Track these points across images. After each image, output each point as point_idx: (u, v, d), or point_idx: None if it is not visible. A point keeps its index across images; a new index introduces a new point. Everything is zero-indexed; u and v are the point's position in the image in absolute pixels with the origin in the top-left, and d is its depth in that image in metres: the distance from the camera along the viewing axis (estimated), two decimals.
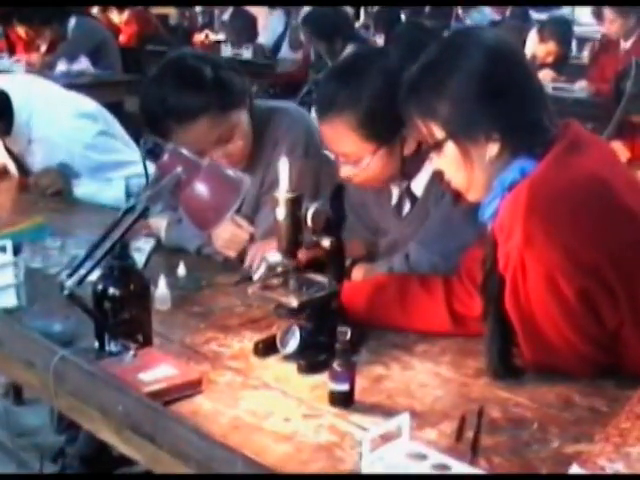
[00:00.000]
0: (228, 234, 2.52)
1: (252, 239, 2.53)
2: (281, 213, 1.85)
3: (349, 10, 9.59)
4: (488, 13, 9.86)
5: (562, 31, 7.19)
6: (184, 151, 1.90)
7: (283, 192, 1.84)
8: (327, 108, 2.15)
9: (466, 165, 1.83)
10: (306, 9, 8.99)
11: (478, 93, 1.79)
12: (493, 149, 1.80)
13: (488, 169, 1.82)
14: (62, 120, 3.35)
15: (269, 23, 9.33)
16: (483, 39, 1.86)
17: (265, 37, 9.02)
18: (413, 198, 2.29)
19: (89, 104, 3.52)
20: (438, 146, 1.84)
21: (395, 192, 2.32)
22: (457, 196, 1.98)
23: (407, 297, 2.05)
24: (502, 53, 1.85)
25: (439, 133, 1.83)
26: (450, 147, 1.83)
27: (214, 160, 2.25)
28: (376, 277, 2.16)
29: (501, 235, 1.76)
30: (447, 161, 1.86)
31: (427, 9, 9.26)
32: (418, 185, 2.26)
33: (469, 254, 2.01)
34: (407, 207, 2.31)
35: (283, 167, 1.84)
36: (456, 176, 1.88)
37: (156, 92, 2.42)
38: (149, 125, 2.45)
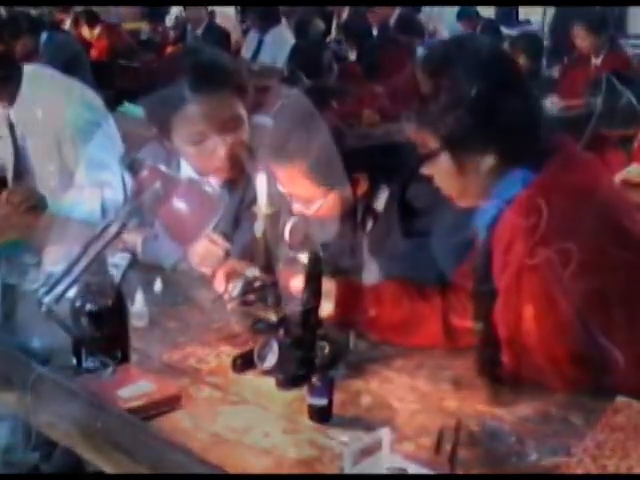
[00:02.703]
0: (203, 250, 2.52)
1: (228, 255, 2.53)
2: (259, 228, 1.85)
3: (320, 25, 9.59)
4: (459, 28, 9.92)
5: (533, 46, 7.25)
6: (163, 167, 1.90)
7: (261, 207, 1.84)
8: (278, 153, 2.14)
9: (459, 175, 1.85)
10: (276, 30, 8.97)
11: (476, 111, 1.79)
12: (488, 161, 1.82)
13: (481, 179, 1.84)
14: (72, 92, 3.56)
15: (244, 40, 9.35)
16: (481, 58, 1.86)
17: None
18: (375, 215, 2.31)
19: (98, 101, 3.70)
20: (432, 156, 1.85)
21: (358, 210, 2.32)
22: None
23: (404, 304, 2.07)
24: (500, 72, 1.87)
25: (433, 143, 1.83)
26: (444, 157, 1.84)
27: (205, 159, 2.29)
28: (373, 283, 2.16)
29: (511, 236, 1.78)
30: (439, 170, 1.87)
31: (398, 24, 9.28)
32: (379, 202, 2.28)
33: (461, 271, 2.04)
34: (370, 223, 2.33)
35: (260, 182, 1.84)
36: (447, 184, 1.90)
37: (176, 66, 2.48)
38: (164, 100, 2.45)
